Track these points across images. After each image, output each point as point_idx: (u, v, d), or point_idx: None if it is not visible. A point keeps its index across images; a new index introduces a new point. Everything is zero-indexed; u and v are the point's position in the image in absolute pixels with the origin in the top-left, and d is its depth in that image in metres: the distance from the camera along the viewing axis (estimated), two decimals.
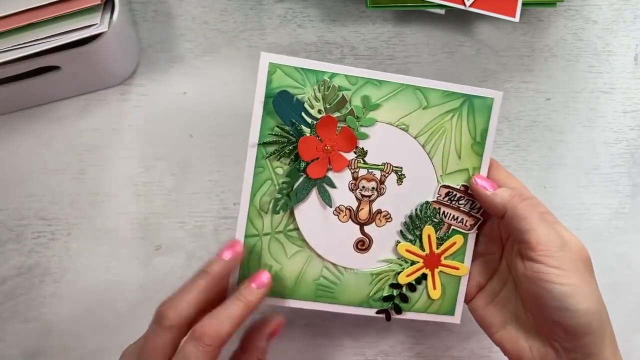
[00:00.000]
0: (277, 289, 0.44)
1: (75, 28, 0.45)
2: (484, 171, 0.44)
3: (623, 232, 0.56)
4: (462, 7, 0.50)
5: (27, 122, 0.53)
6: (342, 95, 0.42)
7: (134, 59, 0.54)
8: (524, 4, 0.51)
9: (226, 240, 0.53)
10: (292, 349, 0.54)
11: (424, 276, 0.45)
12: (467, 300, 0.47)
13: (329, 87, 0.42)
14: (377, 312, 0.45)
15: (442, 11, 0.53)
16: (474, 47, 0.56)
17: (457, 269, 0.45)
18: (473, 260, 0.46)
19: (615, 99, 0.57)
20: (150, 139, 0.54)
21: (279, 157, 0.42)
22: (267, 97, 0.42)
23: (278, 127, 0.42)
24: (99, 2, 0.45)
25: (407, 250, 0.44)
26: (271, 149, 0.42)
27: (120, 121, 0.54)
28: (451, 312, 0.46)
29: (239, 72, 0.55)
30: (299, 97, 0.42)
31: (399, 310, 0.45)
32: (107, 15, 0.46)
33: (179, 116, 0.54)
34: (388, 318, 0.45)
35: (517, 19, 0.51)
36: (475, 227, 0.45)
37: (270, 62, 0.41)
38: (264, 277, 0.42)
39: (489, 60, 0.56)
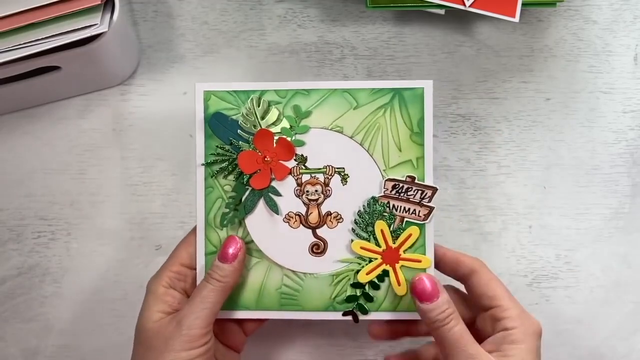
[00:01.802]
0: (242, 301, 0.45)
1: (75, 28, 0.45)
2: (428, 160, 0.45)
3: (623, 232, 0.56)
4: (462, 7, 0.50)
5: (28, 122, 0.53)
6: (273, 107, 0.44)
7: (134, 59, 0.54)
8: (523, 4, 0.51)
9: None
10: (292, 349, 0.54)
11: (386, 273, 0.45)
12: None
13: (259, 102, 0.44)
14: (344, 314, 0.45)
15: (442, 11, 0.53)
16: (474, 47, 0.56)
17: (420, 261, 0.45)
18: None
19: (615, 99, 0.57)
20: (150, 139, 0.54)
21: (224, 175, 0.45)
22: (205, 121, 0.44)
23: (218, 147, 0.44)
24: (99, 2, 0.45)
25: (362, 248, 0.45)
26: (216, 168, 0.44)
27: (121, 121, 0.54)
28: None
29: (239, 72, 0.55)
30: (234, 117, 0.44)
31: (364, 311, 0.45)
32: (107, 16, 0.47)
33: (179, 116, 0.54)
34: (355, 320, 0.45)
35: (517, 19, 0.51)
36: (431, 216, 0.45)
37: (204, 90, 0.45)
38: (230, 248, 0.43)
39: (489, 60, 0.56)
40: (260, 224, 0.45)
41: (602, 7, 0.57)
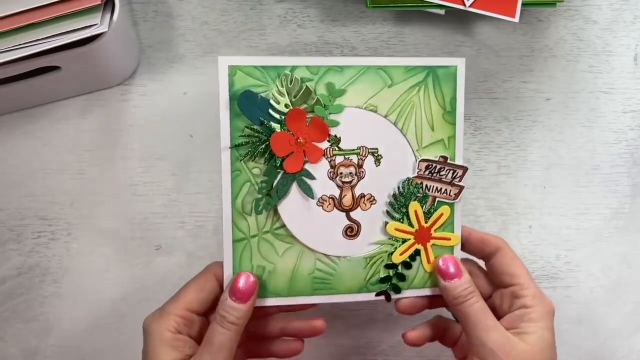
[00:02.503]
0: (274, 289, 0.44)
1: (75, 28, 0.45)
2: (459, 139, 0.45)
3: (623, 232, 0.56)
4: (462, 7, 0.50)
5: (28, 122, 0.53)
6: (306, 86, 0.42)
7: (134, 59, 0.54)
8: (523, 4, 0.51)
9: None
10: None
11: (417, 252, 0.45)
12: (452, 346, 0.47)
13: (291, 80, 0.42)
14: (377, 295, 0.45)
15: (442, 11, 0.53)
16: (474, 47, 0.56)
17: (449, 239, 0.45)
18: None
19: (615, 99, 0.57)
20: (150, 139, 0.54)
21: (253, 157, 0.42)
22: (231, 99, 0.42)
23: (247, 127, 0.42)
24: (99, 2, 0.45)
25: (397, 229, 0.44)
26: (244, 150, 0.42)
27: (121, 121, 0.54)
28: None
29: None
30: (263, 94, 0.42)
31: (397, 290, 0.45)
32: (107, 16, 0.47)
33: (179, 116, 0.54)
34: (388, 299, 0.45)
35: (517, 19, 0.51)
36: (460, 195, 0.45)
37: (229, 65, 0.41)
38: (241, 283, 0.41)
39: (489, 60, 0.56)
40: (292, 208, 0.43)
41: (602, 7, 0.57)
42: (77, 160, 0.53)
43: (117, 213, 0.53)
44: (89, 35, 0.46)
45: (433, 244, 0.45)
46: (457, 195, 0.45)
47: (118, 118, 0.54)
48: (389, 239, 0.45)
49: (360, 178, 0.44)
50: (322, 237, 0.44)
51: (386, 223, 0.44)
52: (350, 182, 0.44)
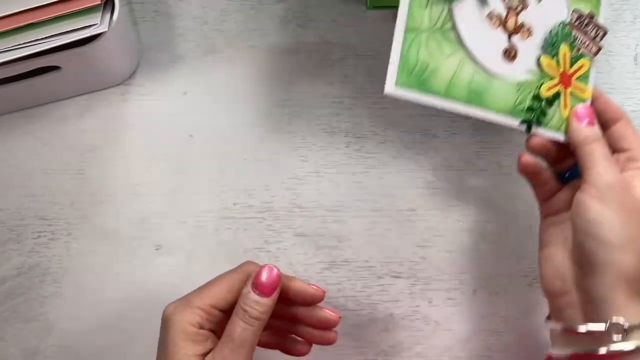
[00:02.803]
0: (433, 87, 0.43)
1: (75, 28, 0.45)
2: (604, 4, 0.48)
3: None
4: None
5: (28, 122, 0.53)
6: None
7: (134, 59, 0.54)
8: None
9: (227, 241, 0.53)
10: None
11: (558, 94, 0.47)
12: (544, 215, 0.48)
13: None
14: (521, 122, 0.46)
15: None
16: None
17: (584, 91, 0.47)
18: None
19: (615, 99, 0.57)
20: (151, 139, 0.54)
21: None
22: None
23: None
24: (99, 2, 0.45)
25: (549, 65, 0.46)
26: None
27: (121, 121, 0.54)
28: None
29: (239, 72, 0.55)
30: None
31: (540, 123, 0.46)
32: (107, 15, 0.47)
33: (179, 116, 0.54)
34: (529, 129, 0.46)
35: None
36: (598, 54, 0.48)
37: None
38: (266, 276, 0.40)
39: None
40: (465, 13, 0.44)
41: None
42: (77, 160, 0.53)
43: (117, 213, 0.53)
44: (88, 35, 0.46)
45: (571, 92, 0.47)
46: (596, 52, 0.47)
47: (118, 118, 0.54)
48: (540, 72, 0.46)
49: (524, 7, 0.46)
50: (485, 50, 0.45)
51: (539, 56, 0.46)
52: (517, 8, 0.45)
